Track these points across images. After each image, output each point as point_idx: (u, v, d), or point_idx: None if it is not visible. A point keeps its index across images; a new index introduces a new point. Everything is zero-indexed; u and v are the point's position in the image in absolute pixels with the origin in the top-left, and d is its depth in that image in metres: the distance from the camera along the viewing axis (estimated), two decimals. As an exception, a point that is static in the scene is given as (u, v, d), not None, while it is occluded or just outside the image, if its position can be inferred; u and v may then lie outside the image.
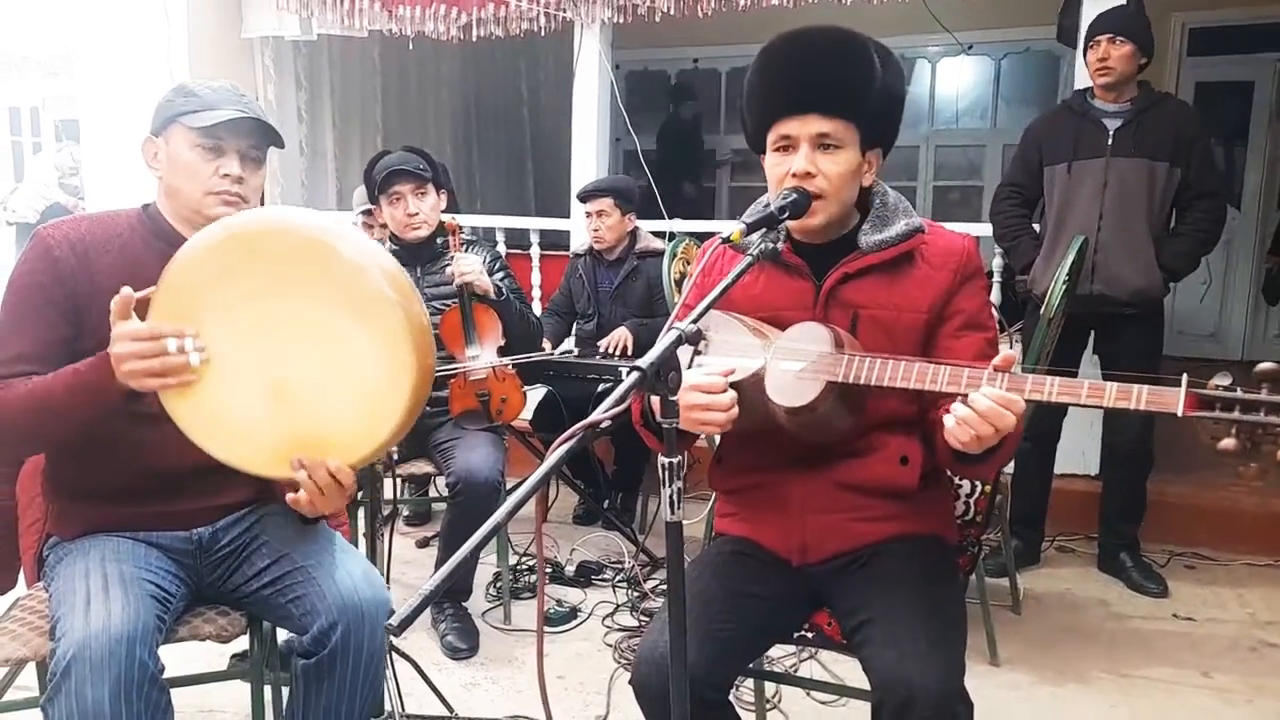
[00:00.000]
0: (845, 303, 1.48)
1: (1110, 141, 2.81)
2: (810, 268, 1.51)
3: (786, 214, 1.40)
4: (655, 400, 1.15)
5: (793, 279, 1.52)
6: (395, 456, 2.22)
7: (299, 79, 5.04)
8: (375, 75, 5.57)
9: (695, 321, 1.21)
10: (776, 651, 2.46)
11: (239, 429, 1.43)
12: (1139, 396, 1.18)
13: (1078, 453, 3.43)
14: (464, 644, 2.55)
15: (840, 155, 1.43)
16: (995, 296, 3.55)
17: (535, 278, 4.21)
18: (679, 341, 1.15)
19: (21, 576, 1.80)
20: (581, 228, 3.77)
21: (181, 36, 4.50)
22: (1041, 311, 2.45)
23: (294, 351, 1.40)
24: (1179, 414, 1.14)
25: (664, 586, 2.59)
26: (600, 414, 1.06)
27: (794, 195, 1.41)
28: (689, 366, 1.50)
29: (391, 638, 1.92)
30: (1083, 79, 3.08)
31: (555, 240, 4.39)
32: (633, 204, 3.47)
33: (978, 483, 1.78)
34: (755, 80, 1.46)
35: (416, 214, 2.64)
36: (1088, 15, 3.25)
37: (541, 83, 6.85)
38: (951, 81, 6.52)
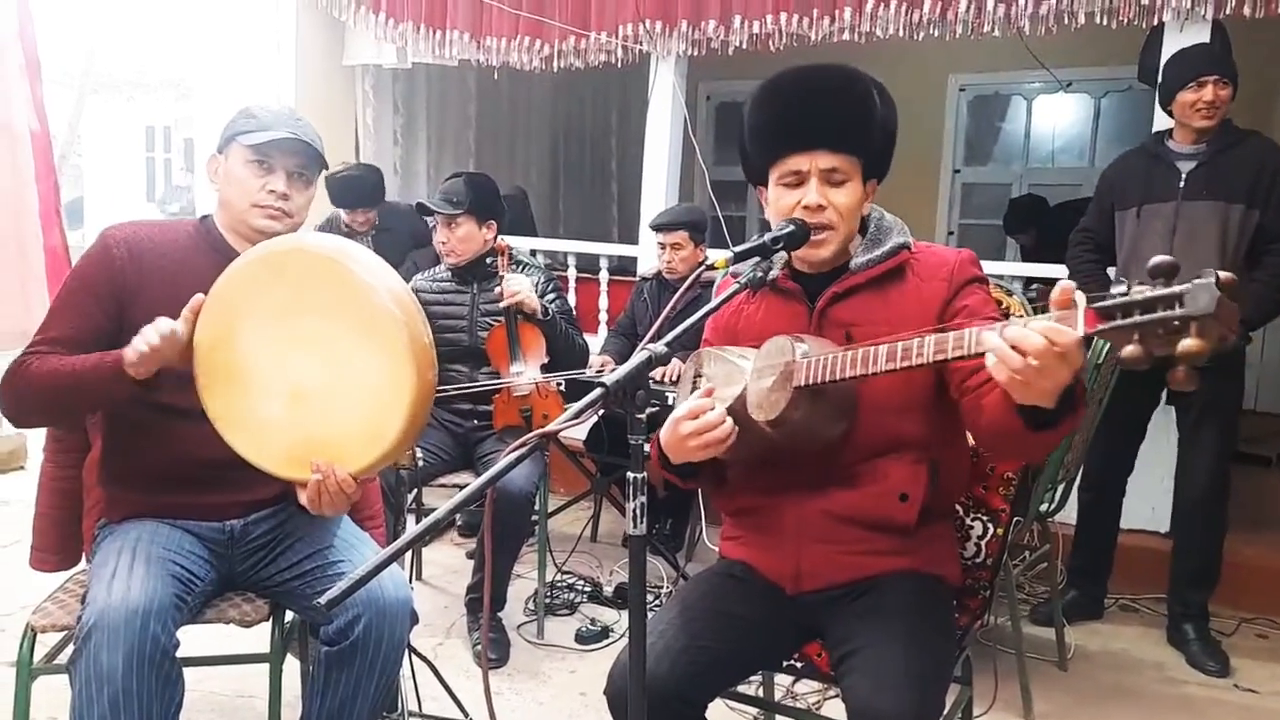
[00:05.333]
0: (837, 322, 1.51)
1: (1182, 184, 2.70)
2: (806, 292, 1.54)
3: (781, 245, 1.43)
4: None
5: (789, 304, 1.55)
6: (420, 463, 2.31)
7: (396, 104, 5.31)
8: (470, 102, 5.81)
9: (670, 344, 1.25)
10: (802, 688, 2.44)
11: (261, 429, 1.55)
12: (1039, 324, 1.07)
13: (1147, 507, 3.28)
14: (494, 654, 2.62)
15: (848, 187, 1.47)
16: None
17: (603, 301, 4.30)
18: (648, 362, 1.20)
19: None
20: (649, 253, 3.85)
21: (290, 63, 4.82)
22: (1087, 356, 2.37)
23: (311, 362, 1.52)
24: (1081, 333, 1.04)
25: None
26: (556, 425, 1.11)
27: (791, 228, 1.44)
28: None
29: (414, 641, 2.01)
30: (1161, 119, 2.99)
31: (625, 265, 4.48)
32: (704, 235, 3.52)
33: (989, 524, 1.75)
34: (759, 116, 1.50)
35: (445, 242, 2.83)
36: (1169, 54, 3.16)
37: (632, 111, 7.00)
38: (1048, 119, 6.36)
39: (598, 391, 1.14)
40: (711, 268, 1.37)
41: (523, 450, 1.08)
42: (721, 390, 1.44)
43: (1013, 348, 1.09)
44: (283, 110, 1.79)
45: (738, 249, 1.39)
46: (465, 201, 2.77)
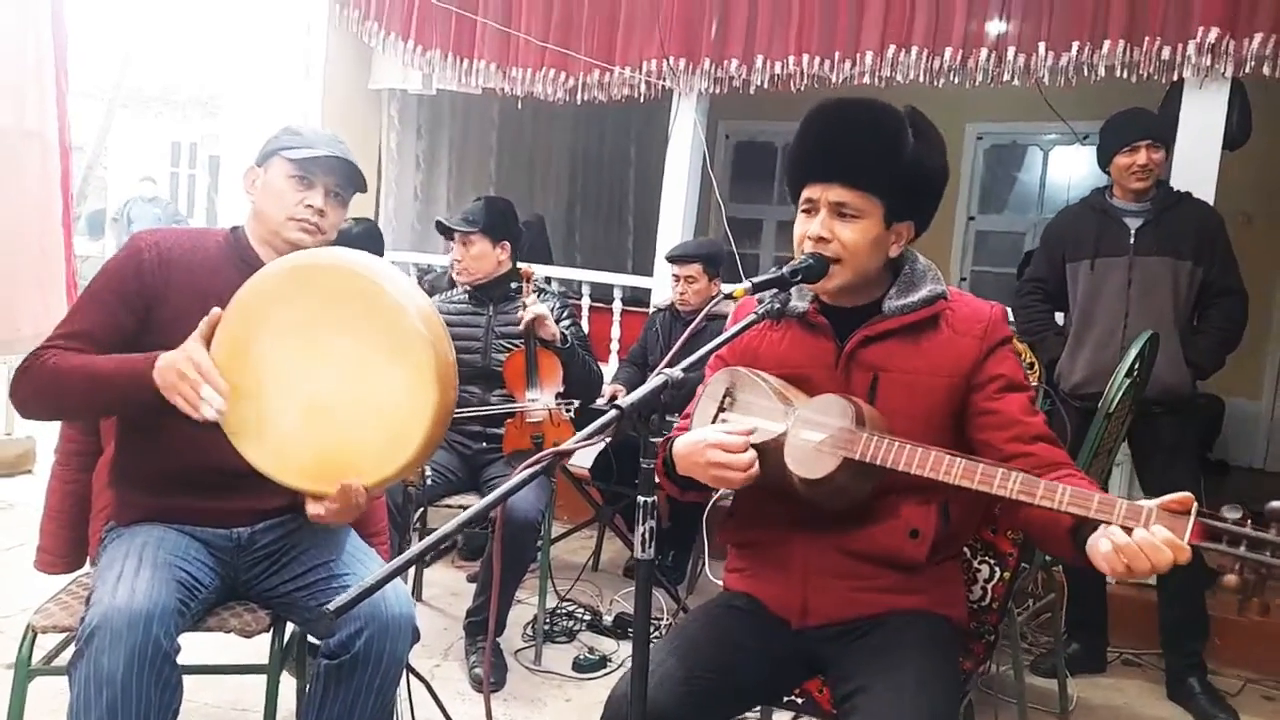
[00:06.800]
0: (865, 364, 1.50)
1: (1132, 240, 2.81)
2: (835, 329, 1.54)
3: (799, 277, 1.44)
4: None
5: (817, 339, 1.55)
6: (428, 482, 2.32)
7: (420, 130, 5.39)
8: (492, 130, 5.89)
9: (687, 371, 1.25)
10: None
11: (275, 440, 1.56)
12: (1148, 516, 1.18)
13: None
14: (491, 678, 2.59)
15: (858, 224, 1.46)
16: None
17: (615, 331, 4.32)
18: (664, 387, 1.21)
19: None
20: (664, 285, 3.87)
21: (317, 85, 4.90)
22: (1100, 405, 2.38)
23: (332, 376, 1.53)
24: (1184, 542, 1.15)
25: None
26: (571, 444, 1.11)
27: (809, 261, 1.45)
28: (713, 421, 1.55)
29: (411, 661, 2.00)
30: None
31: (638, 296, 4.50)
32: (719, 269, 3.55)
33: (996, 568, 1.74)
34: (796, 140, 1.52)
35: (460, 260, 2.87)
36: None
37: (651, 146, 7.08)
38: (1063, 170, 6.41)
39: (613, 413, 1.14)
40: (730, 298, 1.38)
41: (535, 469, 1.08)
42: (755, 420, 1.44)
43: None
44: (325, 131, 1.85)
45: (756, 280, 1.40)
46: (480, 220, 2.81)
